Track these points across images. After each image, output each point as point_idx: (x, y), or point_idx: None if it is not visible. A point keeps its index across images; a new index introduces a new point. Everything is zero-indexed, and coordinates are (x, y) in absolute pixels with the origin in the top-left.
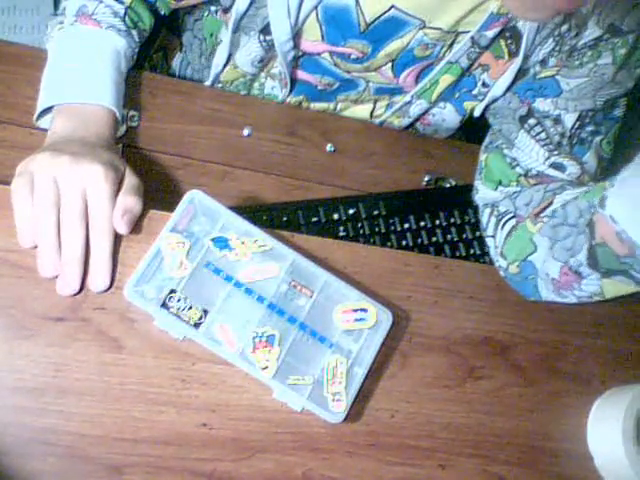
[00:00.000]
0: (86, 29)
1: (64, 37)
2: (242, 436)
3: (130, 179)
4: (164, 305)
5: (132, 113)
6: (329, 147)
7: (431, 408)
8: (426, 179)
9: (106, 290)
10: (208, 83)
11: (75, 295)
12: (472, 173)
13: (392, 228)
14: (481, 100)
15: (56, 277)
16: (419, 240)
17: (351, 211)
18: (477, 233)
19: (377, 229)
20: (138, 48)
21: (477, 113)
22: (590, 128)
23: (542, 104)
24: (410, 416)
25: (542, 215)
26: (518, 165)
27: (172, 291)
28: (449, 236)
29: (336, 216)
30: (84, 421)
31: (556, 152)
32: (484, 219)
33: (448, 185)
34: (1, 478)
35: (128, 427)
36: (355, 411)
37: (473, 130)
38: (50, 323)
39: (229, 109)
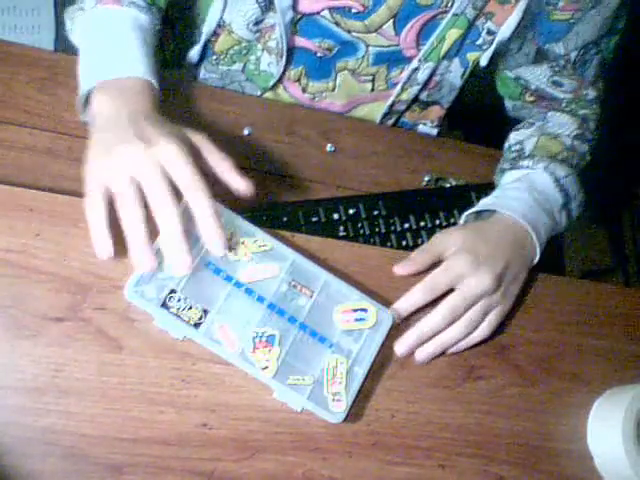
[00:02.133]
0: (108, 10)
1: (88, 21)
2: (242, 436)
3: (199, 136)
4: (164, 305)
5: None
6: (329, 147)
7: (431, 408)
8: (426, 179)
9: (224, 247)
10: (196, 52)
11: (75, 295)
12: (472, 173)
13: (392, 228)
14: (485, 49)
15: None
16: (419, 240)
17: (351, 211)
18: None
19: (377, 229)
20: (159, 26)
21: (484, 62)
22: (593, 50)
23: (552, 47)
24: (410, 416)
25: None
26: (521, 78)
27: (172, 291)
28: None
29: (336, 216)
30: (84, 421)
31: (559, 72)
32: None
33: (448, 185)
34: (1, 478)
35: (128, 427)
36: (355, 411)
37: (473, 130)
38: (50, 323)
39: (229, 109)
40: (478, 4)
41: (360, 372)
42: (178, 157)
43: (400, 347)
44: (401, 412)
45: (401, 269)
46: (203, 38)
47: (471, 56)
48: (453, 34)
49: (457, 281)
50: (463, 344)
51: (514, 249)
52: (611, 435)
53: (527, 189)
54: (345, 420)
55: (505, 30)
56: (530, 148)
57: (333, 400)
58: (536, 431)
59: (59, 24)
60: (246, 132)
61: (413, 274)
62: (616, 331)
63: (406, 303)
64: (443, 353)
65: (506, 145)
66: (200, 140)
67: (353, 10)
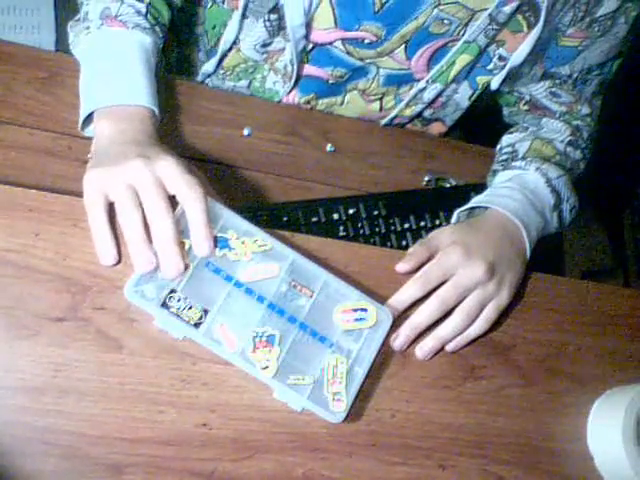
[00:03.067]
0: (113, 31)
1: (93, 41)
2: (242, 436)
3: (194, 177)
4: (164, 305)
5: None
6: (329, 147)
7: (431, 408)
8: (426, 179)
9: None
10: (212, 66)
11: (75, 295)
12: (472, 173)
13: (392, 228)
14: (496, 74)
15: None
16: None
17: (351, 211)
18: None
19: (377, 229)
20: (162, 43)
21: (494, 86)
22: (596, 72)
23: (559, 69)
24: (410, 416)
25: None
26: (515, 91)
27: (172, 291)
28: None
29: (336, 216)
30: (84, 421)
31: (558, 85)
32: None
33: (448, 185)
34: (1, 478)
35: (128, 427)
36: (355, 411)
37: (473, 130)
38: (50, 323)
39: (229, 109)
40: (490, 33)
41: (360, 372)
42: (175, 170)
43: (395, 341)
44: (401, 412)
45: (403, 266)
46: (219, 54)
47: (481, 79)
48: (463, 59)
49: (450, 272)
50: (461, 339)
51: (505, 241)
52: (611, 435)
53: (519, 188)
54: (345, 420)
55: (517, 56)
56: (523, 151)
57: (333, 400)
58: (536, 431)
59: (59, 24)
60: (246, 132)
61: (414, 269)
62: (616, 331)
63: (401, 297)
64: (442, 349)
65: (498, 147)
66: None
67: (366, 41)
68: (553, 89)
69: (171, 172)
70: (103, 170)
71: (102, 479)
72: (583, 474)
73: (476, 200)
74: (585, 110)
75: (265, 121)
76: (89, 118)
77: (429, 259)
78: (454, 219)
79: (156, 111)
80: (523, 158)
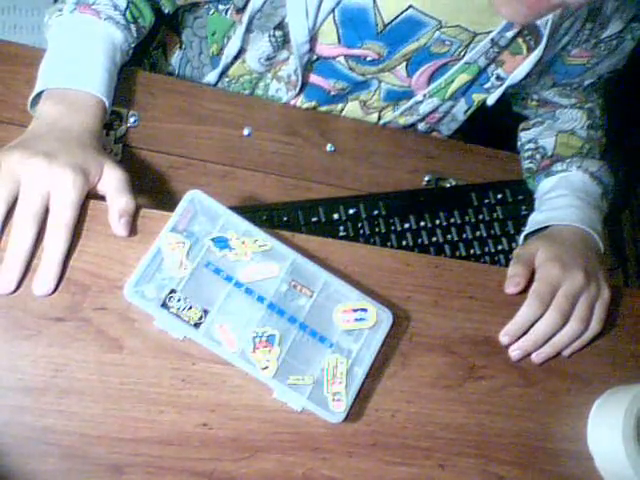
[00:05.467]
0: (84, 17)
1: (61, 24)
2: (242, 436)
3: (113, 174)
4: (164, 305)
5: (132, 113)
6: (329, 147)
7: (431, 408)
8: (426, 179)
9: (49, 294)
10: (214, 77)
11: (75, 295)
12: (472, 173)
13: (392, 228)
14: (492, 92)
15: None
16: (419, 240)
17: (351, 211)
18: (477, 233)
19: (377, 229)
20: (135, 44)
21: (490, 102)
22: (605, 77)
23: (570, 81)
24: (410, 416)
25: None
26: (522, 92)
27: (172, 291)
28: (449, 236)
29: (336, 216)
30: (84, 421)
31: (568, 88)
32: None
33: (448, 185)
34: (1, 478)
35: (128, 427)
36: (355, 411)
37: (473, 130)
38: (50, 323)
39: (229, 109)
40: (491, 55)
41: (360, 372)
42: (65, 187)
43: (514, 352)
44: (401, 412)
45: (514, 289)
46: (221, 67)
47: (477, 97)
48: (463, 78)
49: (556, 287)
50: (578, 344)
51: (584, 246)
52: (611, 435)
53: (571, 194)
54: (345, 420)
55: (515, 77)
56: (551, 147)
57: (333, 400)
58: (536, 431)
59: None
60: (246, 132)
61: (524, 289)
62: (616, 331)
63: (521, 319)
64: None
65: (519, 144)
66: (113, 179)
67: (368, 58)
68: (563, 91)
69: (61, 190)
70: (11, 151)
71: (102, 479)
72: (583, 474)
73: (537, 221)
74: (593, 96)
75: (265, 121)
76: (39, 98)
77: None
78: (521, 241)
79: (105, 103)
80: (559, 158)
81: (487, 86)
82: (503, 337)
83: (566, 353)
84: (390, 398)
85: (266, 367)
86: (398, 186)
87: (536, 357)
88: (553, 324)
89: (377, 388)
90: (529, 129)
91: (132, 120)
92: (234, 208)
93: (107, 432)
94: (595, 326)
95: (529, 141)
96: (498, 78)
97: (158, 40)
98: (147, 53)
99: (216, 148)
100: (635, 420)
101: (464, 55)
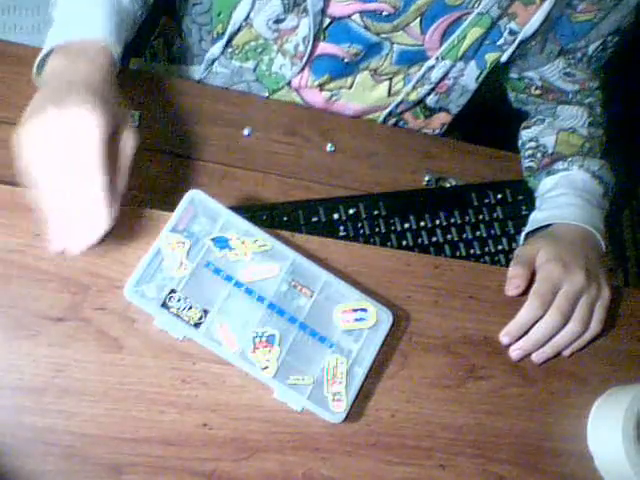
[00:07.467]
0: None
1: None
2: (242, 436)
3: (131, 141)
4: (164, 305)
5: (132, 113)
6: (329, 147)
7: (431, 408)
8: (426, 179)
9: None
10: (219, 49)
11: (75, 295)
12: (472, 173)
13: (392, 228)
14: (506, 49)
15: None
16: (419, 240)
17: (351, 211)
18: (477, 233)
19: (377, 229)
20: (143, 16)
21: (504, 58)
22: (610, 45)
23: (575, 44)
24: (410, 416)
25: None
26: (525, 77)
27: (172, 291)
28: (449, 236)
29: (336, 216)
30: (84, 421)
31: (573, 65)
32: None
33: (448, 185)
34: (1, 478)
35: (128, 427)
36: (355, 411)
37: (473, 130)
38: (50, 323)
39: (229, 109)
40: (504, 4)
41: (360, 372)
42: (87, 128)
43: (514, 352)
44: (401, 412)
45: (515, 290)
46: (227, 36)
47: (490, 57)
48: (475, 33)
49: (557, 287)
50: (578, 345)
51: (586, 245)
52: (611, 435)
53: (572, 192)
54: (345, 420)
55: (528, 29)
56: (551, 146)
57: (333, 400)
58: (536, 431)
59: None
60: (246, 132)
61: (526, 290)
62: (616, 331)
63: (522, 320)
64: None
65: (520, 143)
66: (127, 137)
67: (384, 13)
68: (568, 69)
69: (83, 132)
70: (40, 115)
71: (102, 479)
72: (583, 474)
73: (538, 219)
74: (595, 84)
75: (265, 121)
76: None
77: (532, 272)
78: (522, 240)
79: (112, 50)
80: (560, 157)
81: (500, 42)
82: (503, 337)
83: (566, 353)
84: (390, 398)
85: (266, 367)
86: (398, 186)
87: (536, 357)
88: (554, 325)
89: (377, 388)
90: (530, 127)
91: (132, 120)
92: (234, 208)
93: (107, 432)
94: (595, 327)
95: (530, 139)
96: (511, 33)
97: (159, 30)
98: (149, 44)
99: (216, 148)
100: (635, 420)
101: (478, 6)
